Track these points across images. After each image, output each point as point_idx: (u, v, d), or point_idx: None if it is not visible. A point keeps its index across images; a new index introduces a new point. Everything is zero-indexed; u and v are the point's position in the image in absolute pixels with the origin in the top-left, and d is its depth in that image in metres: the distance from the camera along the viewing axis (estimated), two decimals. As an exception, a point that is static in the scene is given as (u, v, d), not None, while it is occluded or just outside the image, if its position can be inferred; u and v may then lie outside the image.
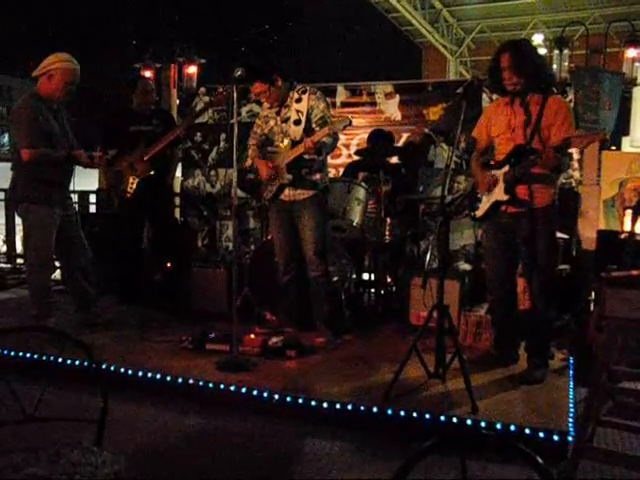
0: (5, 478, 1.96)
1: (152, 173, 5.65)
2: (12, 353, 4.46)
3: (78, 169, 4.96)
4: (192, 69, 7.85)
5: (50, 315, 4.93)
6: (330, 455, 3.34)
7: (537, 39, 10.97)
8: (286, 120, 4.72)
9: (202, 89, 7.85)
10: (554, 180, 4.09)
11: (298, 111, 4.68)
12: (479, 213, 4.21)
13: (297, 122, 4.68)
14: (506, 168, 4.00)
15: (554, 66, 7.16)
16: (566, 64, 6.89)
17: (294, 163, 4.66)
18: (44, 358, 4.34)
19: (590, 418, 3.10)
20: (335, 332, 4.87)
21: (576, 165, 6.41)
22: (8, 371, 3.80)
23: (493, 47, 12.99)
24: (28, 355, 4.42)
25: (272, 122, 4.82)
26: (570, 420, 3.45)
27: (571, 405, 3.68)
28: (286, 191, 4.77)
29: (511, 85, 3.98)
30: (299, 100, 4.69)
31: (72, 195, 5.23)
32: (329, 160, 7.08)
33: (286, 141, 4.69)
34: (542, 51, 8.75)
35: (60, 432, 2.70)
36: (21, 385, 2.33)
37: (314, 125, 4.63)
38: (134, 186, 5.66)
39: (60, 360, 4.20)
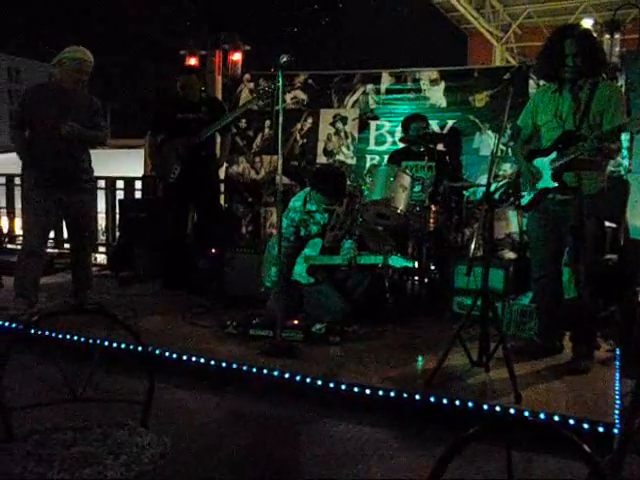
0: (56, 454, 2.01)
1: (197, 160, 5.71)
2: (60, 335, 4.56)
3: (121, 157, 5.00)
4: (237, 56, 7.85)
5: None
6: (372, 441, 3.35)
7: (587, 23, 10.71)
8: None
9: (247, 76, 7.86)
10: (603, 167, 4.01)
11: None
12: (525, 201, 4.15)
13: None
14: (554, 155, 3.93)
15: (604, 51, 6.98)
16: (617, 49, 6.68)
17: None
18: (90, 341, 4.43)
19: (637, 410, 3.05)
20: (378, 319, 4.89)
21: (625, 153, 6.27)
22: (58, 353, 3.88)
23: (540, 33, 12.77)
24: (76, 337, 4.51)
25: None
26: (616, 412, 3.39)
27: (617, 396, 3.62)
28: None
29: (573, 71, 3.86)
30: None
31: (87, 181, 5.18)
32: (373, 147, 7.10)
33: None
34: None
35: (107, 413, 2.75)
36: (70, 367, 2.38)
37: None
38: (177, 172, 5.73)
39: (107, 343, 4.28)
